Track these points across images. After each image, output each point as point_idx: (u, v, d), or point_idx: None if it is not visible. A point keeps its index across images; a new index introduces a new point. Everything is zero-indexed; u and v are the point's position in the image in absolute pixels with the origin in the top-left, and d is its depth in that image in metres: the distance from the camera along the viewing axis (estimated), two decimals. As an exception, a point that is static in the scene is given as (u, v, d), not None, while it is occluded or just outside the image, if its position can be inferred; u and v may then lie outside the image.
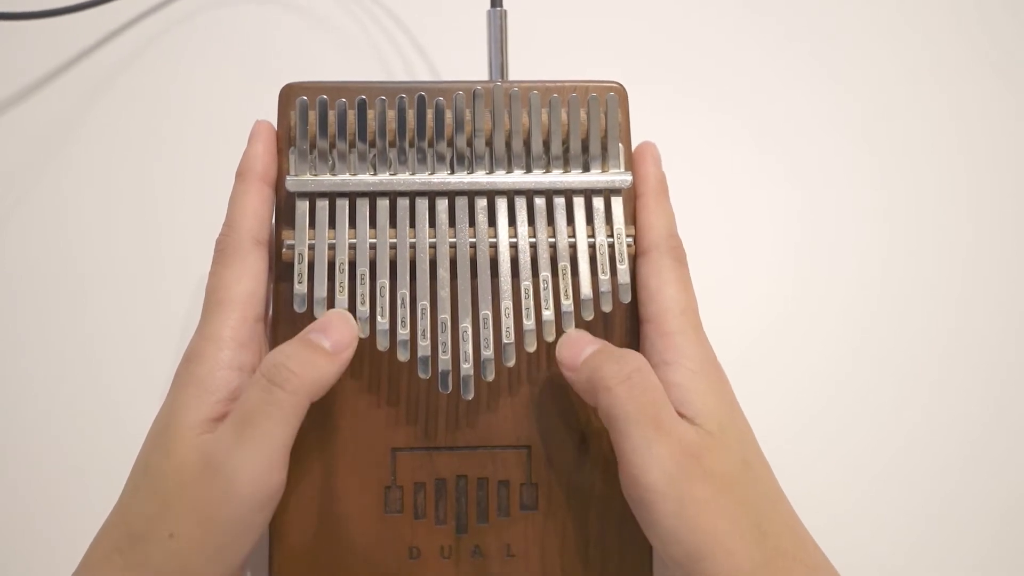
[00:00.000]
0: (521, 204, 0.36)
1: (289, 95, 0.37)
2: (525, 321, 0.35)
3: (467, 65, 0.49)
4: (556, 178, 0.36)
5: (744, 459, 0.33)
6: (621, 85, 0.38)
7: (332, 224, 0.36)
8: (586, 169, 0.37)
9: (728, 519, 0.31)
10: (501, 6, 0.41)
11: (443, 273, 0.35)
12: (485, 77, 0.42)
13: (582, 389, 0.34)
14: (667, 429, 0.32)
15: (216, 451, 0.31)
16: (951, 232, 0.48)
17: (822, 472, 0.44)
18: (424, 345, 0.35)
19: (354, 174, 0.36)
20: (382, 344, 0.34)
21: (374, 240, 0.35)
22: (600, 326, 0.37)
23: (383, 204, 0.36)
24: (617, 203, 0.37)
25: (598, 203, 0.37)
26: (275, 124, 0.37)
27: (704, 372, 0.34)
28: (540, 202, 0.36)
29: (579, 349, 0.34)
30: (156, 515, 0.31)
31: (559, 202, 0.36)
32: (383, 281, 0.35)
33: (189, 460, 0.31)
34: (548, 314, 0.35)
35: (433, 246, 0.36)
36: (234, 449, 0.30)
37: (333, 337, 0.33)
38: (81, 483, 0.42)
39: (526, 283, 0.35)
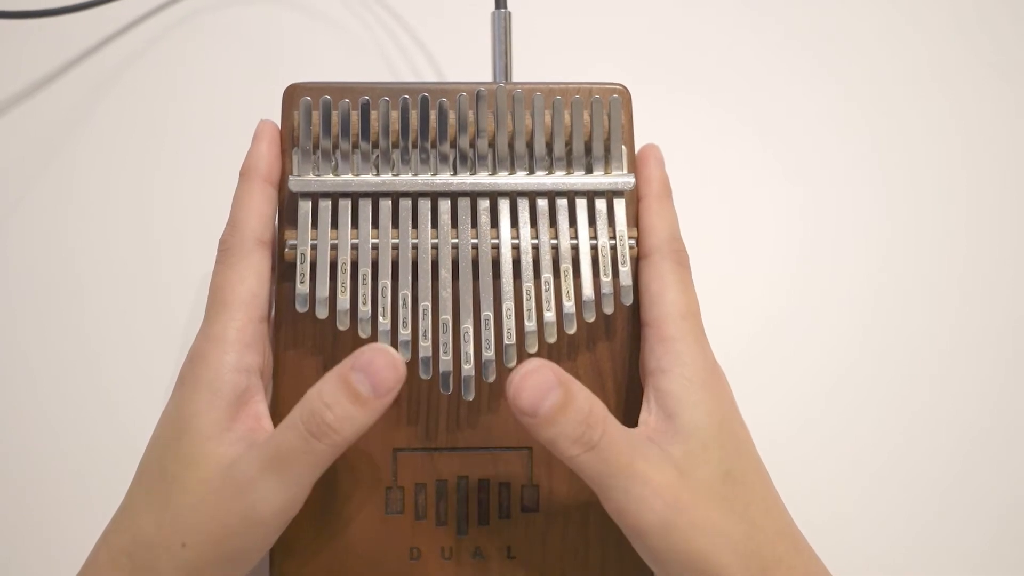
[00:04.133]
0: (523, 205, 0.36)
1: (293, 95, 0.37)
2: (527, 322, 0.35)
3: (470, 66, 0.49)
4: (558, 180, 0.36)
5: (727, 471, 0.32)
6: (625, 87, 0.38)
7: (335, 224, 0.36)
8: (589, 171, 0.37)
9: (716, 536, 0.31)
10: (505, 8, 0.41)
11: (445, 274, 0.35)
12: (489, 78, 0.42)
13: (539, 439, 0.32)
14: (642, 474, 0.31)
15: (242, 476, 0.31)
16: (951, 230, 0.48)
17: (823, 470, 0.44)
18: (425, 346, 0.35)
19: (357, 174, 0.36)
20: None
21: (376, 240, 0.35)
22: (602, 329, 0.37)
23: (385, 205, 0.36)
24: (619, 205, 0.37)
25: (600, 205, 0.37)
26: (279, 124, 0.37)
27: (699, 381, 0.34)
28: (542, 203, 0.36)
29: (540, 394, 0.31)
30: (169, 523, 0.31)
31: (561, 204, 0.36)
32: (385, 281, 0.35)
33: (208, 474, 0.31)
34: (550, 315, 0.35)
35: (435, 247, 0.36)
36: (261, 480, 0.30)
37: (376, 380, 0.31)
38: (81, 483, 0.42)
39: (528, 284, 0.35)
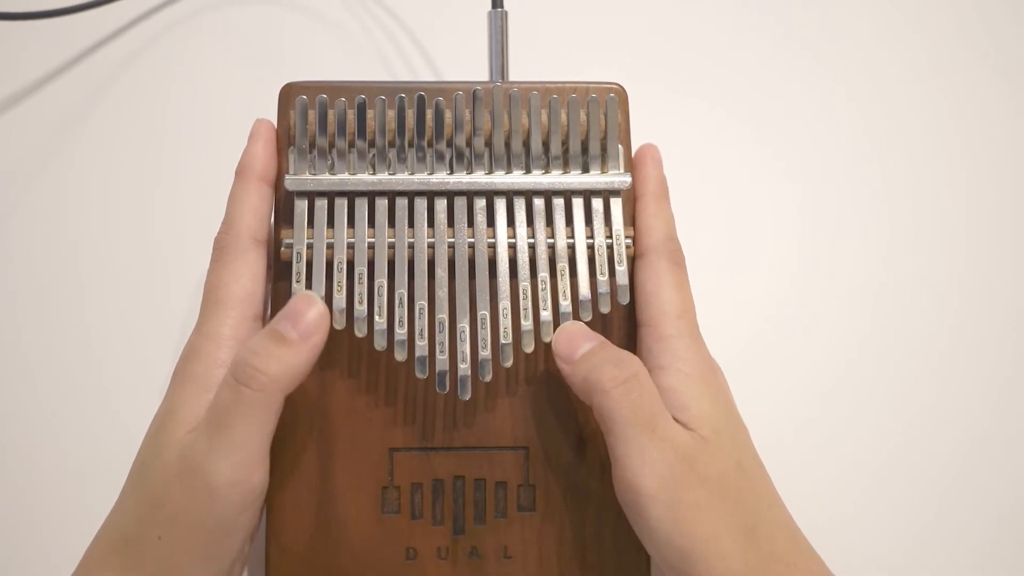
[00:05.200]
0: (520, 204, 0.36)
1: (289, 94, 0.37)
2: (523, 322, 0.35)
3: (467, 65, 0.49)
4: (555, 179, 0.36)
5: (738, 462, 0.33)
6: (621, 86, 0.38)
7: (331, 223, 0.36)
8: (585, 170, 0.37)
9: (722, 523, 0.31)
10: (502, 7, 0.41)
11: (441, 273, 0.35)
12: (485, 77, 0.42)
13: (576, 385, 0.34)
14: (662, 434, 0.32)
15: (193, 453, 0.31)
16: (951, 230, 0.48)
17: (823, 470, 0.44)
18: (422, 345, 0.35)
19: (353, 173, 0.36)
20: (380, 344, 0.34)
21: (372, 239, 0.35)
22: (598, 328, 0.37)
23: (382, 204, 0.36)
24: (616, 204, 0.37)
25: (597, 204, 0.37)
26: (275, 123, 0.37)
27: (699, 376, 0.34)
28: (539, 203, 0.36)
29: (577, 343, 0.34)
30: (146, 516, 0.31)
31: (558, 203, 0.36)
32: (381, 281, 0.35)
33: (172, 461, 0.31)
34: (546, 315, 0.35)
35: (432, 246, 0.36)
36: (209, 451, 0.30)
37: (300, 324, 0.32)
38: (81, 483, 0.42)
39: (524, 284, 0.35)
